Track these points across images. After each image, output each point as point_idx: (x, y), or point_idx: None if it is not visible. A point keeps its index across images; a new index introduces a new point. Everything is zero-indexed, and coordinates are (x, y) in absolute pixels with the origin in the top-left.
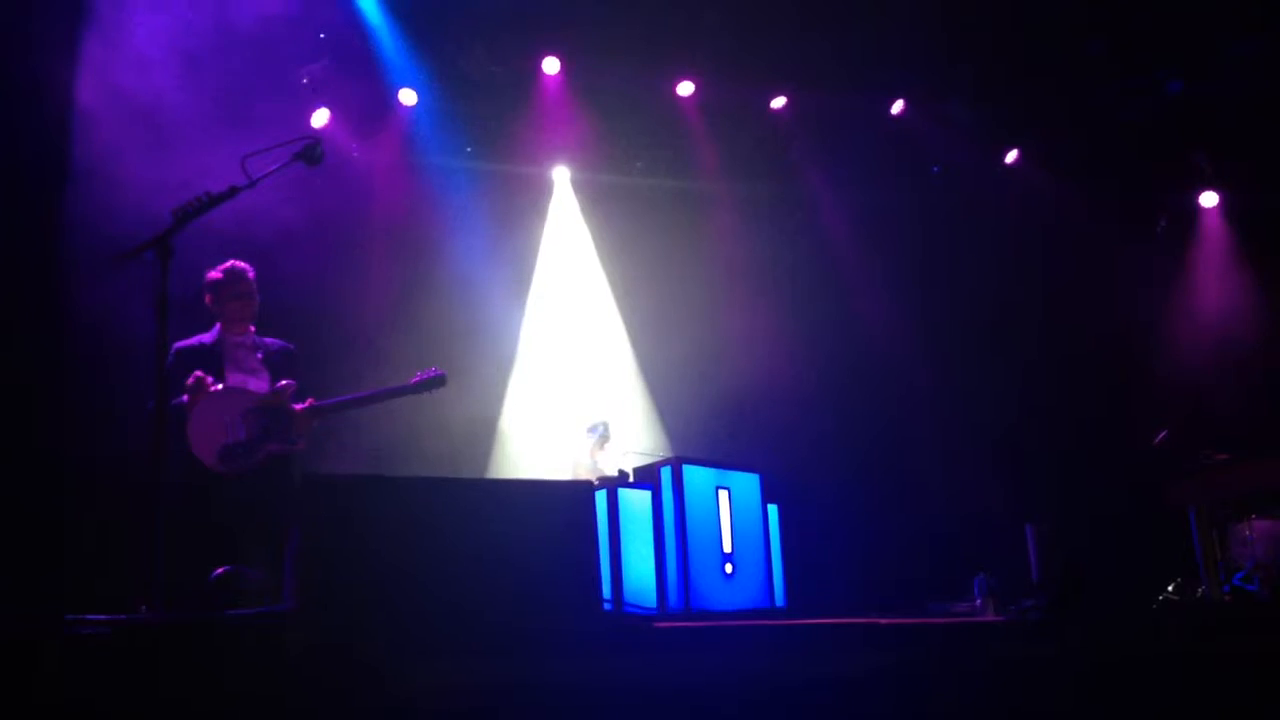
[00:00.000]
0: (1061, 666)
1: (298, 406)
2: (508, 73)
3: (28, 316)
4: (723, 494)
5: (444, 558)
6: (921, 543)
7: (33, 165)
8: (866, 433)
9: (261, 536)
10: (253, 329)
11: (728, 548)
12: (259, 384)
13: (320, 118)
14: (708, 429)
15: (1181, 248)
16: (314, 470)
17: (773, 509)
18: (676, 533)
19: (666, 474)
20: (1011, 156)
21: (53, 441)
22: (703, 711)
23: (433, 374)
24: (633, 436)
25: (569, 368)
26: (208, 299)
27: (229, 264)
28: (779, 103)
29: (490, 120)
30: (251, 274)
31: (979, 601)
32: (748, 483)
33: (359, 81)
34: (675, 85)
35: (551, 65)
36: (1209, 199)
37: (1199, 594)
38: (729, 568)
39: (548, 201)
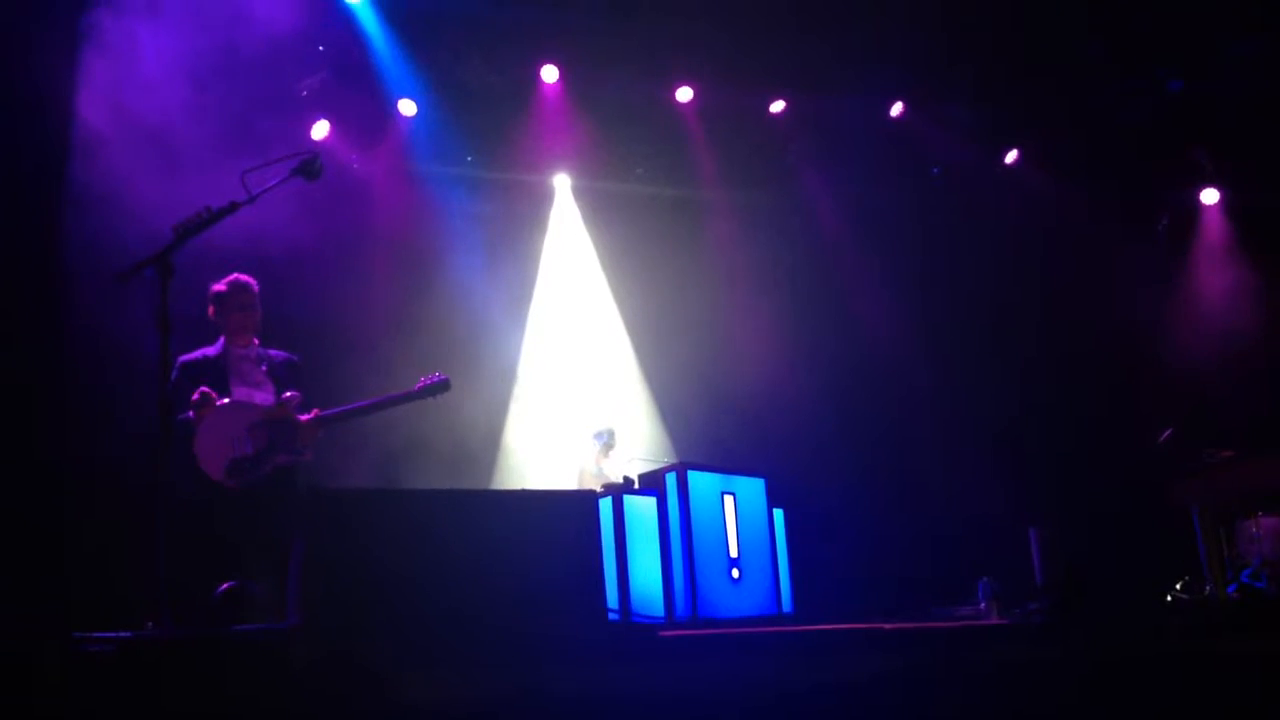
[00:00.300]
0: (1066, 669)
1: (303, 417)
2: (507, 82)
3: (29, 326)
4: (728, 499)
5: (447, 569)
6: (924, 546)
7: (31, 175)
8: (868, 435)
9: (266, 549)
10: (256, 341)
11: (734, 553)
12: (264, 396)
13: (320, 130)
14: (712, 434)
15: (1183, 246)
16: (318, 483)
17: (778, 513)
18: (682, 539)
19: (672, 480)
20: (1011, 157)
21: (56, 454)
22: None
23: (436, 379)
24: (637, 443)
25: (572, 375)
26: (211, 311)
27: (232, 276)
28: (778, 106)
29: (490, 129)
30: (255, 286)
31: (983, 605)
32: (753, 487)
33: (358, 93)
34: (674, 92)
35: (550, 74)
36: (1210, 196)
37: (1205, 593)
38: (736, 573)
39: (548, 209)
